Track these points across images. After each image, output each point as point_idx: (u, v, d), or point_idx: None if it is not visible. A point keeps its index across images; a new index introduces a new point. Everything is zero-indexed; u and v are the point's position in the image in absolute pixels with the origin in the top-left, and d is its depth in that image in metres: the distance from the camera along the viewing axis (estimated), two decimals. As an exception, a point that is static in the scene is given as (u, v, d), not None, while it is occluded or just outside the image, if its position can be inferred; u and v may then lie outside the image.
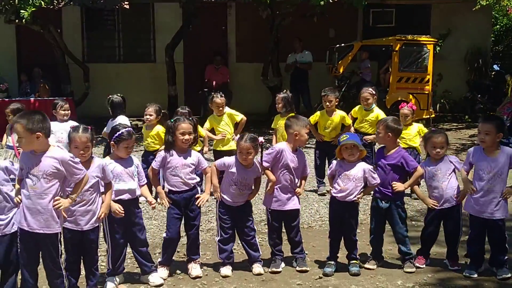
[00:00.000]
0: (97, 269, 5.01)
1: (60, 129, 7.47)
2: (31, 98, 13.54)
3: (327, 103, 8.28)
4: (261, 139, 5.55)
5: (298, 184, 5.67)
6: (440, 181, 5.53)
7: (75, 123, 6.22)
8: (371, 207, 5.80)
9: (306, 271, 5.51)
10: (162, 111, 7.93)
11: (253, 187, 5.60)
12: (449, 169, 5.53)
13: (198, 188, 5.58)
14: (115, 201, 5.07)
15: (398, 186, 5.52)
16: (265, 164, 5.55)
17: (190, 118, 5.78)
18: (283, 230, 5.77)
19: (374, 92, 8.60)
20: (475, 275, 5.36)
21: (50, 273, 4.58)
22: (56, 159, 4.40)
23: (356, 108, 8.79)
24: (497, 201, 5.29)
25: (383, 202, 5.59)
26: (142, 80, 15.87)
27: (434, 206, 5.56)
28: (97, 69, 15.40)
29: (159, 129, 7.72)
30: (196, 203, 5.42)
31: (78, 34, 16.09)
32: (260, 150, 5.55)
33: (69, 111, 7.84)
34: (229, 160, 5.59)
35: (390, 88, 13.97)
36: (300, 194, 5.70)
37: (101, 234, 5.16)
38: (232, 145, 8.00)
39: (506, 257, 5.39)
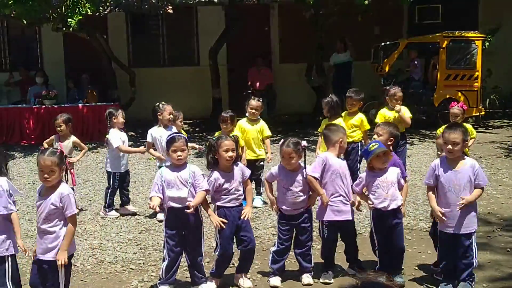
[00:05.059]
0: None
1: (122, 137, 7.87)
2: (79, 104, 13.78)
3: (349, 106, 8.15)
4: (304, 143, 5.42)
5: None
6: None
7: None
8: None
9: None
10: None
11: (310, 192, 5.48)
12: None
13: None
14: (168, 208, 5.08)
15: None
16: (315, 175, 5.40)
17: (231, 136, 5.68)
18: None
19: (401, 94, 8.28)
20: None
21: None
22: None
23: (382, 111, 8.36)
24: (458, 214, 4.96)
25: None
26: (187, 83, 15.96)
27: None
28: (142, 74, 15.54)
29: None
30: (242, 217, 5.31)
31: (124, 39, 16.29)
32: (303, 154, 5.44)
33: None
34: (275, 169, 5.56)
35: (438, 86, 13.67)
36: (355, 205, 5.57)
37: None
38: (259, 153, 7.94)
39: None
